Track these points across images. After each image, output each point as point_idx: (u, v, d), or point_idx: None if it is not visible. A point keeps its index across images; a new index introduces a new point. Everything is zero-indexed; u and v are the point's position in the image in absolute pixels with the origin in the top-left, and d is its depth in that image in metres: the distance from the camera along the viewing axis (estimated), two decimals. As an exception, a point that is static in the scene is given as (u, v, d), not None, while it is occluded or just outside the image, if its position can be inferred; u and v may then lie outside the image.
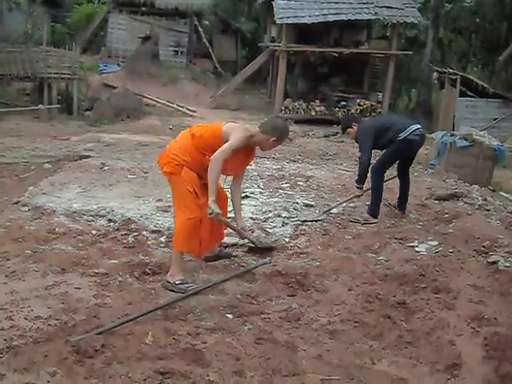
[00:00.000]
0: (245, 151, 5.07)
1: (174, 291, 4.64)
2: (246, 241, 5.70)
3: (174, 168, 4.86)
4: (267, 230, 6.37)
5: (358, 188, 7.11)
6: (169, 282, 4.73)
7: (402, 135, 6.74)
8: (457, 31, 25.13)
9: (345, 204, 7.45)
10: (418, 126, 6.91)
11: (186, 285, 4.70)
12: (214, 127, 5.05)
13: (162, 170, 5.05)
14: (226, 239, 5.87)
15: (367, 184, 7.13)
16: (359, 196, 7.26)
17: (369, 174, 7.04)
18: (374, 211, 7.00)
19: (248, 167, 9.80)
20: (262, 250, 5.68)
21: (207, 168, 4.71)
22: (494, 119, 18.34)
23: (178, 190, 4.87)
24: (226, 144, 4.72)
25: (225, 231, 5.60)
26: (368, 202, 7.17)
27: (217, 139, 4.83)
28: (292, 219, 6.80)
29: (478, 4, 23.54)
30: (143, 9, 24.61)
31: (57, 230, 5.85)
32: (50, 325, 3.81)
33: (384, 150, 7.08)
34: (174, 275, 4.78)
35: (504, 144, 11.66)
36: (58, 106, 17.49)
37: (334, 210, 7.26)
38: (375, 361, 3.75)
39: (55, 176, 8.51)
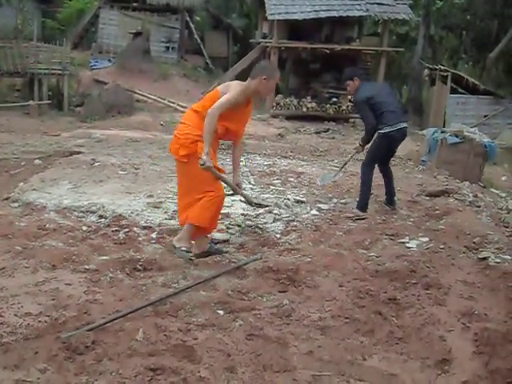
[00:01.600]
0: (244, 107, 5.13)
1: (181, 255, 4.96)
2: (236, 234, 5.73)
3: (190, 148, 4.93)
4: (258, 225, 6.37)
5: (360, 145, 7.28)
6: (174, 246, 5.01)
7: (386, 130, 6.79)
8: (448, 28, 25.22)
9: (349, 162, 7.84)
10: (405, 125, 6.97)
11: (190, 254, 5.01)
12: (211, 94, 5.14)
13: (176, 157, 5.10)
14: (216, 235, 5.88)
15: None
16: (359, 152, 7.45)
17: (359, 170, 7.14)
18: (362, 206, 7.06)
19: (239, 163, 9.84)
20: (256, 206, 5.88)
21: (217, 138, 4.96)
22: (485, 116, 18.43)
23: (194, 169, 4.93)
24: (223, 97, 4.80)
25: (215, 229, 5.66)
26: (358, 198, 7.20)
27: (214, 99, 4.92)
28: (283, 216, 6.80)
29: (469, 1, 23.62)
30: (134, 4, 24.54)
31: (47, 226, 5.82)
32: (40, 321, 3.78)
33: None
34: (182, 241, 5.07)
35: (494, 141, 11.71)
36: (49, 101, 17.44)
37: (325, 207, 7.27)
38: (366, 357, 3.75)
39: (46, 172, 8.47)
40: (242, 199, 5.85)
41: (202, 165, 4.77)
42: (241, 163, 5.86)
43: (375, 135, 6.98)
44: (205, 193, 5.00)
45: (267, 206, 5.93)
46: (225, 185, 5.35)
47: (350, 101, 19.13)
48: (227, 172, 5.64)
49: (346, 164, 7.68)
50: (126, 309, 4.01)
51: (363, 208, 7.04)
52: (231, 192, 7.34)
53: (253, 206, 5.94)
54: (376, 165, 7.23)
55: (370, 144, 7.17)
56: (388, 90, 7.69)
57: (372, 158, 7.14)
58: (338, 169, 7.81)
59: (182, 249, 4.98)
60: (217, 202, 5.08)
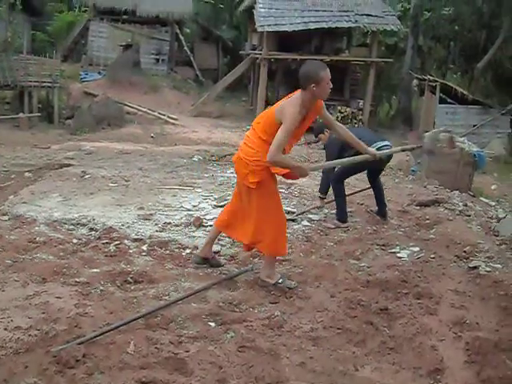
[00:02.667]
0: (308, 116, 4.82)
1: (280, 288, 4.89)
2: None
3: (261, 174, 4.73)
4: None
5: (319, 198, 7.49)
6: (266, 282, 4.96)
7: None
8: (436, 39, 25.39)
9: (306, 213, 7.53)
10: (386, 143, 6.97)
11: (288, 281, 4.99)
12: (268, 112, 4.84)
13: (245, 182, 4.82)
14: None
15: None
16: (319, 207, 7.56)
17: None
18: (341, 217, 7.09)
19: (230, 174, 9.86)
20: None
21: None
22: (474, 125, 18.54)
23: (266, 196, 4.83)
24: (279, 134, 4.49)
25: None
26: (336, 211, 7.23)
27: (272, 125, 4.65)
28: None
29: (457, 12, 23.80)
30: (124, 17, 24.57)
31: (37, 239, 5.79)
32: (30, 335, 3.75)
33: None
34: (271, 275, 4.98)
35: (484, 150, 11.78)
36: (39, 114, 17.40)
37: (316, 217, 7.28)
38: (358, 367, 3.75)
39: (36, 185, 8.44)
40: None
41: (301, 175, 4.82)
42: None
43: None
44: (272, 217, 4.84)
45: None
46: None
47: (339, 111, 19.20)
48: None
49: (296, 217, 7.40)
50: (117, 322, 3.99)
51: (344, 218, 7.07)
52: (221, 203, 7.37)
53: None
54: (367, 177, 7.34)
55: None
56: (357, 128, 7.95)
57: (344, 174, 7.20)
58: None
59: (280, 281, 4.94)
60: (283, 231, 4.98)
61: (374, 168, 7.15)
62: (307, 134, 6.94)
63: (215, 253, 5.78)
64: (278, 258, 5.21)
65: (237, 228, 5.11)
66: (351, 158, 5.58)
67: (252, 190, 4.81)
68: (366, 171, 7.36)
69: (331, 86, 4.73)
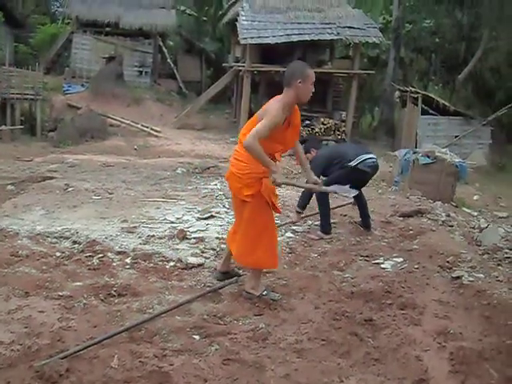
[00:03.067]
0: (290, 121, 4.81)
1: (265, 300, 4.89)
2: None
3: (255, 187, 4.72)
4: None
5: (296, 212, 7.25)
6: (250, 293, 4.95)
7: (352, 164, 6.91)
8: (417, 51, 25.65)
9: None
10: (371, 156, 7.06)
11: (272, 293, 4.99)
12: (253, 119, 4.85)
13: (240, 196, 4.81)
14: (191, 260, 5.86)
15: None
16: (294, 222, 7.40)
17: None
18: (324, 228, 7.11)
19: (213, 187, 9.86)
20: (346, 192, 5.48)
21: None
22: (456, 136, 18.69)
23: (258, 209, 4.80)
24: (259, 124, 4.51)
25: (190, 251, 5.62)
26: (319, 222, 7.24)
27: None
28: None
29: (438, 25, 24.09)
30: (107, 29, 24.57)
31: (20, 252, 5.74)
32: (12, 350, 3.71)
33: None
34: (256, 287, 4.96)
35: (465, 161, 11.89)
36: (21, 126, 17.30)
37: (299, 229, 7.30)
38: (343, 378, 3.75)
39: (18, 198, 8.38)
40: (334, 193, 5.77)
41: (273, 182, 4.63)
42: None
43: (343, 169, 7.01)
44: (263, 234, 4.83)
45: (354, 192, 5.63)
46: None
47: (322, 123, 19.24)
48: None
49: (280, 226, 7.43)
50: (101, 335, 3.96)
51: (327, 230, 7.10)
52: (205, 216, 7.35)
53: (348, 195, 5.75)
54: None
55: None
56: (343, 144, 8.01)
57: (331, 183, 7.20)
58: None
59: (264, 293, 4.94)
60: (273, 243, 4.96)
61: (359, 181, 7.18)
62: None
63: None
64: (263, 270, 5.21)
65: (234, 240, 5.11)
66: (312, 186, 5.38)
67: (246, 204, 4.80)
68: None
69: (313, 90, 4.78)
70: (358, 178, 7.02)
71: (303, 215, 7.43)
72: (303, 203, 7.19)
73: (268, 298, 4.90)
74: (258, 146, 4.43)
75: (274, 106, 4.64)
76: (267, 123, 4.49)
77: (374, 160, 7.11)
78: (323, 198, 7.13)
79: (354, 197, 7.35)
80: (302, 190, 7.11)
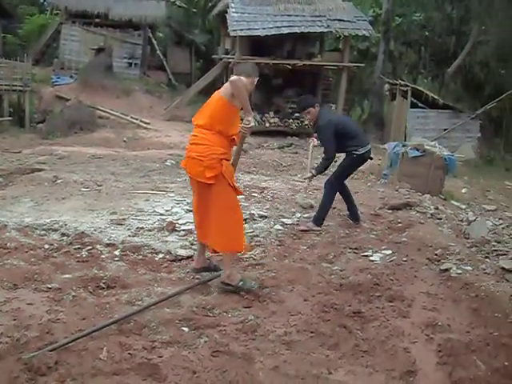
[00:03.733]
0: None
1: (236, 292, 4.88)
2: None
3: (217, 168, 4.78)
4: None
5: (310, 174, 7.17)
6: (229, 285, 4.91)
7: (361, 151, 6.92)
8: (407, 44, 25.67)
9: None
10: (370, 146, 7.12)
11: (253, 282, 4.98)
12: (214, 104, 4.91)
13: (202, 179, 4.85)
14: (180, 252, 5.87)
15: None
16: (308, 179, 7.38)
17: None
18: (318, 221, 7.10)
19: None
20: None
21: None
22: (445, 129, 18.75)
23: (223, 191, 4.85)
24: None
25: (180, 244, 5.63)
26: (316, 213, 7.22)
27: (225, 106, 4.82)
28: (247, 231, 6.80)
29: (427, 18, 24.11)
30: (97, 20, 24.39)
31: (8, 244, 5.72)
32: (1, 342, 3.70)
33: (339, 163, 7.23)
34: (231, 275, 4.94)
35: (454, 154, 11.92)
36: (10, 118, 17.18)
37: (289, 221, 7.30)
38: (332, 370, 3.77)
39: (6, 190, 8.35)
40: None
41: (248, 124, 4.77)
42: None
43: (348, 157, 7.03)
44: (227, 211, 4.87)
45: None
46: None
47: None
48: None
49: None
50: (90, 328, 3.96)
51: (320, 223, 7.09)
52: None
53: None
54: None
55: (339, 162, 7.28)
56: (346, 116, 7.91)
57: (341, 176, 7.22)
58: (301, 182, 7.64)
59: (240, 284, 4.93)
60: (239, 225, 5.02)
61: (355, 168, 7.36)
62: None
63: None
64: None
65: (206, 232, 5.11)
66: None
67: (211, 189, 4.85)
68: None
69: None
70: (361, 164, 7.24)
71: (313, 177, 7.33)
72: (320, 172, 7.09)
73: (245, 288, 4.90)
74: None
75: (240, 82, 4.76)
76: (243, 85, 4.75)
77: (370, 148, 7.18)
78: (332, 194, 7.11)
79: (341, 193, 7.35)
80: (321, 162, 7.04)
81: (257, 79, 5.06)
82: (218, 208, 4.88)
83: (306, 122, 7.34)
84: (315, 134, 7.35)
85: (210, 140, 4.81)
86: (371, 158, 7.30)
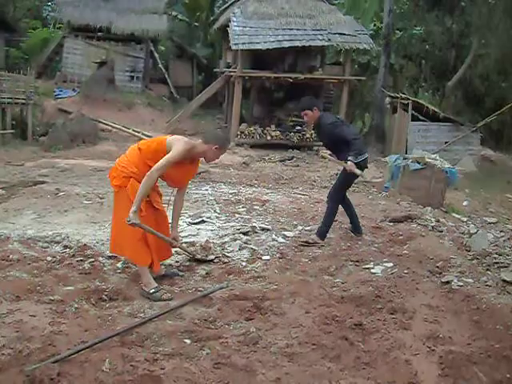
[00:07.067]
0: (189, 164, 5.29)
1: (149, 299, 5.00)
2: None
3: (122, 181, 5.12)
4: (225, 254, 6.38)
5: (350, 161, 6.62)
6: (147, 292, 5.08)
7: (359, 158, 6.80)
8: (408, 57, 25.78)
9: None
10: (367, 155, 7.10)
11: (159, 293, 5.06)
12: (159, 139, 5.28)
13: (111, 183, 5.28)
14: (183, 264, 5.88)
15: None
16: (350, 167, 6.65)
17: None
18: (322, 234, 7.09)
19: (204, 192, 9.88)
20: (199, 262, 6.05)
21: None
22: (445, 142, 18.77)
23: (123, 202, 5.11)
24: (164, 159, 4.94)
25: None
26: (320, 225, 7.23)
27: (161, 151, 5.07)
28: (249, 243, 6.82)
29: (427, 32, 24.22)
30: (99, 34, 24.51)
31: (11, 256, 5.74)
32: (3, 354, 3.71)
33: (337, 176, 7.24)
34: (147, 284, 5.12)
35: (455, 167, 11.94)
36: (12, 131, 17.22)
37: (290, 234, 7.31)
38: (334, 382, 3.77)
39: (9, 202, 8.37)
40: (195, 219, 6.03)
41: (128, 221, 4.84)
42: (181, 214, 5.94)
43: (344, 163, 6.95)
44: (126, 228, 4.98)
45: (211, 261, 6.10)
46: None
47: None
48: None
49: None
50: (92, 339, 3.97)
51: (323, 236, 7.10)
52: (196, 221, 7.36)
53: (195, 257, 6.11)
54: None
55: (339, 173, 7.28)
56: (346, 122, 7.84)
57: (343, 186, 7.22)
58: (302, 194, 7.55)
59: (151, 291, 5.06)
60: (143, 238, 5.15)
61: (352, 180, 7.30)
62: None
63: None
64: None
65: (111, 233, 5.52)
66: None
67: (116, 194, 5.25)
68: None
69: (219, 158, 5.42)
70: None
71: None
72: (358, 152, 6.68)
73: (155, 297, 5.02)
74: (153, 182, 4.99)
75: (182, 145, 5.06)
76: (169, 160, 4.95)
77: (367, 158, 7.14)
78: (334, 208, 7.12)
79: (343, 206, 7.36)
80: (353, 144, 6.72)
81: (223, 150, 5.33)
82: (116, 217, 5.28)
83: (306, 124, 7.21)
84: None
85: (132, 156, 5.27)
86: (366, 167, 7.25)
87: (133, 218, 4.83)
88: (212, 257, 6.18)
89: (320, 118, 7.00)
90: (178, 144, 5.04)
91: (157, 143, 5.20)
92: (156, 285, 5.15)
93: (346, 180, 7.16)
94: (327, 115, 7.12)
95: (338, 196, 7.17)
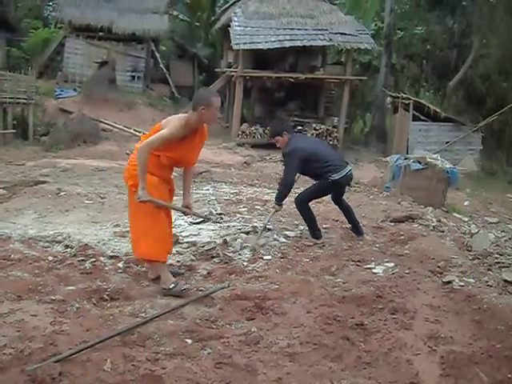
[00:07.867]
0: (192, 138, 5.17)
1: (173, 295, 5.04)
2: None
3: (136, 179, 5.00)
4: (226, 253, 6.38)
5: (277, 205, 7.07)
6: (164, 289, 5.11)
7: (336, 176, 6.84)
8: (409, 57, 25.80)
9: (270, 219, 7.36)
10: (350, 168, 7.10)
11: (181, 284, 5.14)
12: (156, 126, 5.26)
13: (127, 184, 5.26)
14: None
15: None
16: (279, 210, 7.25)
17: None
18: (315, 235, 7.16)
19: (206, 191, 9.87)
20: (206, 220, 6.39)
21: (167, 167, 5.20)
22: (446, 142, 18.79)
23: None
24: (156, 134, 4.96)
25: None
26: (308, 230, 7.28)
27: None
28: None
29: (429, 32, 24.23)
30: (100, 34, 24.49)
31: (12, 256, 5.73)
32: (4, 354, 3.70)
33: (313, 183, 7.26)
34: (167, 281, 5.13)
35: (456, 167, 11.95)
36: (14, 131, 17.26)
37: (292, 234, 7.31)
38: (335, 382, 3.77)
39: (10, 202, 8.38)
40: (196, 219, 6.04)
41: (138, 198, 4.87)
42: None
43: (323, 181, 7.00)
44: (148, 224, 5.06)
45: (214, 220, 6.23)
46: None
47: (314, 129, 19.30)
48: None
49: (265, 227, 7.21)
50: (94, 339, 3.97)
51: (317, 236, 7.14)
52: (198, 221, 7.36)
53: (208, 220, 6.45)
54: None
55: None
56: (320, 141, 7.88)
57: (309, 197, 7.25)
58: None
59: (171, 286, 5.08)
60: (162, 233, 5.19)
61: (336, 192, 7.28)
62: (280, 151, 7.01)
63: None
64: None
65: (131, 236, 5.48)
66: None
67: (131, 196, 5.19)
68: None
69: (218, 115, 5.09)
70: (338, 190, 7.24)
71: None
72: (281, 199, 7.02)
73: (178, 291, 5.06)
74: (147, 154, 4.87)
75: (175, 122, 5.02)
76: (162, 135, 4.92)
77: (351, 172, 7.14)
78: (303, 208, 7.15)
79: (340, 207, 7.40)
80: (278, 188, 7.20)
81: (215, 105, 5.03)
82: (137, 215, 5.19)
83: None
84: None
85: None
86: (349, 184, 7.32)
87: (142, 195, 4.86)
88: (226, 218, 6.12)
89: (287, 145, 6.99)
90: (172, 122, 5.03)
91: (154, 130, 5.17)
92: (174, 279, 5.17)
93: (319, 192, 7.21)
94: (291, 142, 6.99)
95: (305, 205, 7.19)
